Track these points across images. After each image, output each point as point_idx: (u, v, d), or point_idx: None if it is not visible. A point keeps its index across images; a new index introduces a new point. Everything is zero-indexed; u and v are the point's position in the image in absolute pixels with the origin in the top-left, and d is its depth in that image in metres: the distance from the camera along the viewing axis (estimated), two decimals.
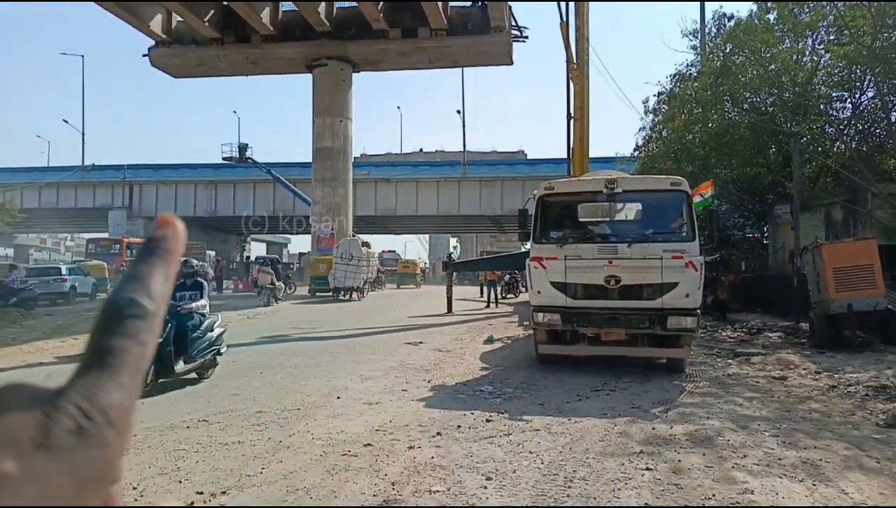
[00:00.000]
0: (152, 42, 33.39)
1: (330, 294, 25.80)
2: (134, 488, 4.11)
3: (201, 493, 4.01)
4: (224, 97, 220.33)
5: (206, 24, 30.99)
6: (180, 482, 4.23)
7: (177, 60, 34.38)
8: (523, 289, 25.63)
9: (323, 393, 7.16)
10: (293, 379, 8.10)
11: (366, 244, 28.05)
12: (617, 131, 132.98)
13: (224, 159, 42.23)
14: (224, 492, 4.03)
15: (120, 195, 47.34)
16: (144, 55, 33.76)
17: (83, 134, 49.90)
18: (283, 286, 24.17)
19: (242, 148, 41.16)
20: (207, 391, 7.28)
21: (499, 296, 23.55)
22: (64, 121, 51.64)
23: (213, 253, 51.28)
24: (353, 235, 33.82)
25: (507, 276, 28.15)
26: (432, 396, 7.04)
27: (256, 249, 69.96)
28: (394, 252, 56.12)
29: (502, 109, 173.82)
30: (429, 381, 7.93)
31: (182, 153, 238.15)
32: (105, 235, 42.68)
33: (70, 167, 48.33)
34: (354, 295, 25.69)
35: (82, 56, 51.50)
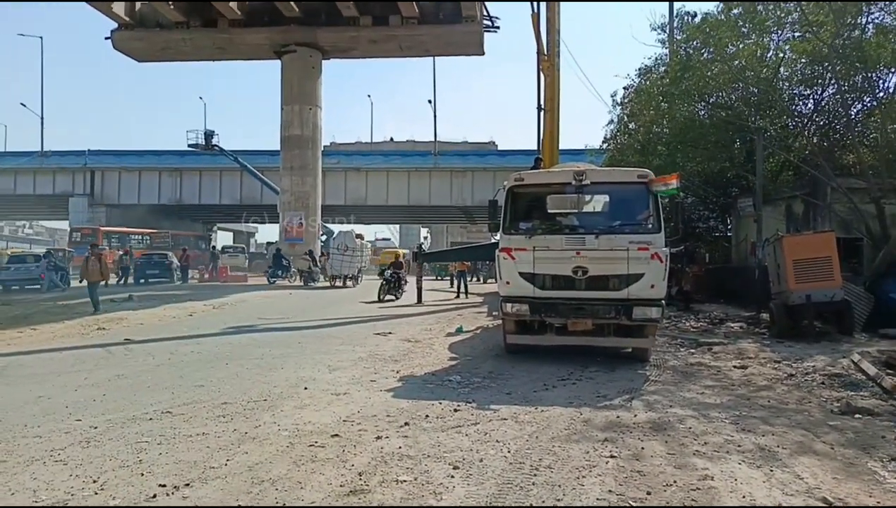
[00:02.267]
0: (115, 25, 32.47)
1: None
2: (94, 481, 4.03)
3: (164, 486, 3.95)
4: (190, 83, 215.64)
5: (171, 6, 30.26)
6: (142, 474, 4.16)
7: (140, 44, 33.49)
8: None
9: (290, 383, 7.11)
10: (259, 369, 8.01)
11: (359, 236, 29.99)
12: (587, 123, 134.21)
13: (190, 146, 41.41)
14: (187, 484, 3.98)
15: (81, 182, 46.08)
16: (107, 38, 32.81)
17: (42, 118, 48.57)
18: (318, 270, 28.67)
19: (209, 135, 40.41)
20: (171, 382, 7.16)
21: (468, 287, 23.63)
22: (21, 104, 50.02)
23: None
24: (321, 224, 33.86)
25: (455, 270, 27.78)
26: (401, 386, 7.04)
27: (223, 238, 68.96)
28: (388, 240, 55.61)
29: (473, 100, 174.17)
30: (397, 371, 7.93)
31: (146, 140, 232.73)
32: (88, 225, 42.10)
33: (28, 152, 46.86)
34: (349, 282, 28.03)
35: (41, 38, 49.61)
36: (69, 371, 7.93)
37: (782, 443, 4.95)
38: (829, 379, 7.45)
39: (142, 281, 27.61)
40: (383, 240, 55.09)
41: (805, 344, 9.82)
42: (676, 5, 34.17)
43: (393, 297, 19.82)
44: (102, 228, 40.64)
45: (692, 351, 9.78)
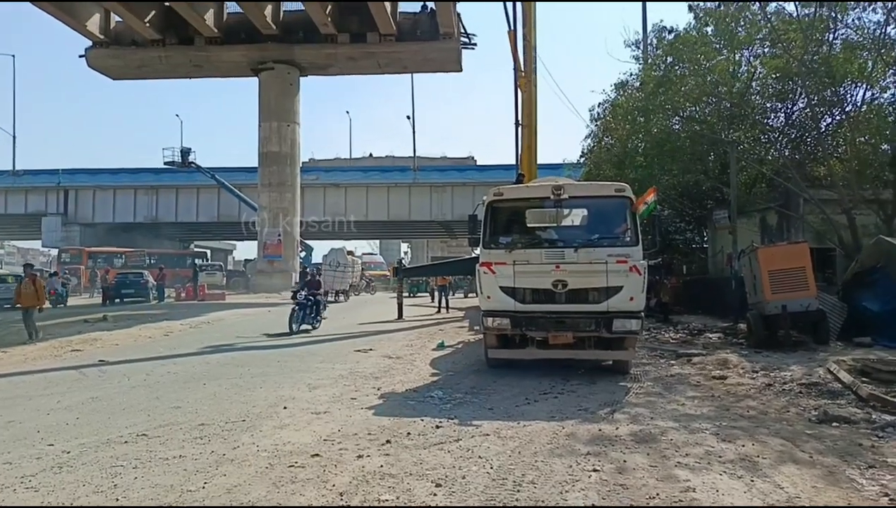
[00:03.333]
0: (89, 42, 32.20)
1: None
2: None
3: None
4: (166, 100, 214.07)
5: (147, 24, 30.11)
6: (117, 500, 4.05)
7: (115, 62, 33.28)
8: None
9: (269, 403, 7.00)
10: (238, 389, 7.89)
11: (350, 253, 31.48)
12: (564, 137, 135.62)
13: (166, 164, 41.06)
14: None
15: (54, 201, 45.38)
16: (81, 56, 32.51)
17: (14, 137, 47.75)
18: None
19: (185, 152, 40.11)
20: (147, 404, 7.01)
21: (449, 302, 23.60)
22: None
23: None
24: (300, 240, 33.81)
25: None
26: (382, 404, 6.97)
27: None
28: (374, 254, 55.24)
29: (452, 116, 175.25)
30: (378, 389, 7.85)
31: (121, 158, 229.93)
32: (73, 246, 42.58)
33: (0, 172, 46.04)
34: (341, 297, 29.47)
35: (13, 56, 49.04)
36: (41, 394, 7.73)
37: (763, 453, 4.98)
38: (807, 388, 7.53)
39: (117, 300, 27.14)
40: (368, 254, 54.70)
41: (782, 354, 9.93)
42: (653, 19, 34.89)
43: (309, 327, 15.31)
44: (87, 249, 40.39)
45: (672, 362, 9.84)
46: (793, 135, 16.86)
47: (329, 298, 26.96)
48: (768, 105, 16.61)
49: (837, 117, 14.91)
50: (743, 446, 5.16)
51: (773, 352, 10.14)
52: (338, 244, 34.44)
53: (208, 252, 57.40)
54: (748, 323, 11.79)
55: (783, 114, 16.65)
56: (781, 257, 11.06)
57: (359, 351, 11.63)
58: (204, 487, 4.26)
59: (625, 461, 4.78)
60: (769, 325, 10.89)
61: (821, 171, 15.84)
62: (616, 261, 7.97)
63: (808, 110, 15.24)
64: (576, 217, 9.44)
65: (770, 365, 8.98)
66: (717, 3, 15.71)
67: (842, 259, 14.01)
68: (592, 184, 11.57)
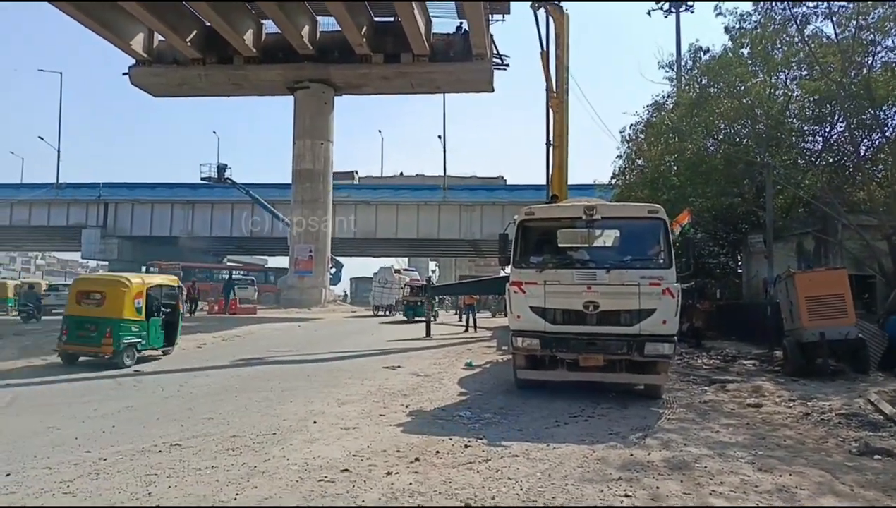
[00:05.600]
0: (133, 61, 33.26)
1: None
2: None
3: None
4: (204, 117, 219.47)
5: (189, 44, 31.00)
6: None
7: (157, 80, 34.28)
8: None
9: (299, 417, 7.06)
10: (268, 402, 7.97)
11: (398, 271, 34.94)
12: (595, 158, 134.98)
13: (202, 179, 41.94)
14: None
15: (94, 214, 46.66)
16: (124, 74, 33.58)
17: (59, 151, 49.16)
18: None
19: (221, 168, 40.95)
20: (181, 414, 7.14)
21: (476, 321, 23.49)
22: (39, 138, 50.80)
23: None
24: (331, 257, 34.56)
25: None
26: (410, 421, 6.98)
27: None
28: (412, 271, 55.47)
29: (483, 135, 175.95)
30: (407, 406, 7.86)
31: (160, 172, 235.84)
32: (111, 257, 45.50)
33: (44, 184, 47.57)
34: (387, 312, 32.36)
35: (60, 73, 50.78)
36: (79, 402, 7.92)
37: (801, 484, 4.85)
38: (846, 418, 7.31)
39: None
40: (406, 271, 54.78)
41: (820, 383, 9.66)
42: (688, 40, 34.73)
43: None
44: (182, 263, 42.47)
45: (705, 388, 9.64)
46: (831, 159, 16.54)
47: (380, 313, 32.11)
48: (805, 128, 16.36)
49: (878, 141, 14.59)
50: (780, 476, 5.03)
51: (811, 381, 9.87)
52: (367, 261, 35.49)
53: (256, 273, 58.62)
54: (784, 350, 11.50)
55: (821, 138, 16.37)
56: (820, 283, 10.80)
57: (387, 368, 11.66)
58: (236, 498, 4.31)
59: (658, 487, 4.70)
60: (806, 353, 10.61)
61: (860, 196, 15.47)
62: (649, 284, 7.89)
63: (846, 134, 14.96)
64: (608, 238, 9.37)
65: (807, 394, 8.75)
66: (753, 25, 15.56)
67: (882, 286, 13.62)
68: (625, 206, 11.50)
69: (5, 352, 13.07)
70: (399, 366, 11.83)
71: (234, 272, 45.56)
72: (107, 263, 51.89)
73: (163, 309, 12.55)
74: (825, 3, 13.72)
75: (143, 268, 47.16)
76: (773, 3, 14.84)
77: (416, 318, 24.81)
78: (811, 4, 14.07)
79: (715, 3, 16.38)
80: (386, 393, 8.86)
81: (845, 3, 13.76)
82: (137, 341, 11.68)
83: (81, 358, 11.47)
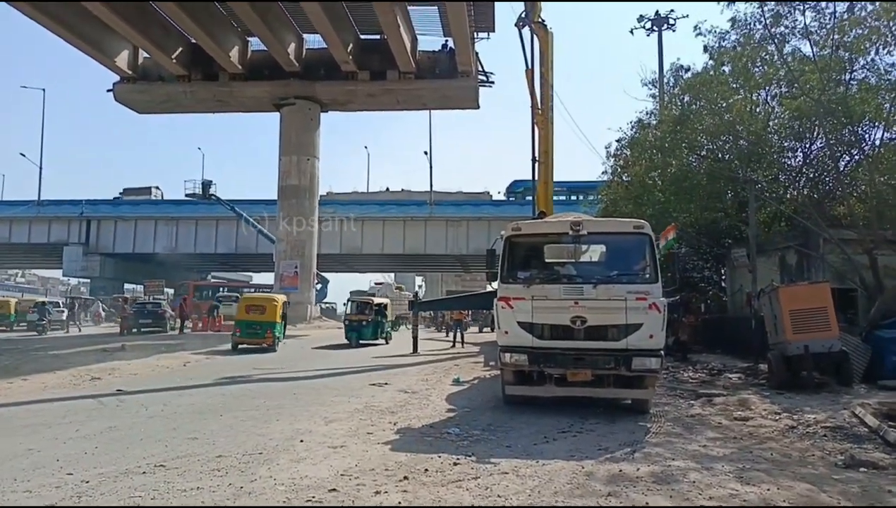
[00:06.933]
0: (117, 77, 33.11)
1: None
2: None
3: None
4: (189, 133, 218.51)
5: (174, 61, 30.96)
6: None
7: (142, 96, 34.15)
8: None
9: (285, 436, 6.98)
10: (254, 421, 7.88)
11: (399, 287, 35.53)
12: (580, 173, 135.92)
13: (187, 196, 41.71)
14: None
15: (76, 230, 46.17)
16: (109, 90, 33.41)
17: (41, 168, 48.81)
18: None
19: (206, 184, 40.76)
20: (164, 434, 7.03)
21: (464, 336, 23.48)
22: (21, 154, 50.42)
23: (171, 290, 50.15)
24: (317, 272, 34.39)
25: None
26: (398, 439, 6.93)
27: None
28: (384, 284, 55.34)
29: (468, 151, 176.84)
30: (394, 424, 7.81)
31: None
32: (93, 275, 46.59)
33: (25, 201, 47.05)
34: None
35: (43, 90, 50.53)
36: (60, 423, 7.78)
37: (788, 497, 4.87)
38: (832, 431, 7.37)
39: (134, 330, 27.34)
40: (378, 283, 54.66)
41: (805, 396, 9.74)
42: (670, 58, 35.26)
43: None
44: (194, 282, 42.55)
45: (692, 402, 9.69)
46: (811, 175, 16.80)
47: None
48: (786, 144, 16.62)
49: (856, 157, 14.86)
50: (767, 490, 5.05)
51: (796, 394, 9.94)
52: (354, 277, 35.30)
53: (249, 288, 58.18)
54: (769, 363, 11.59)
55: (801, 153, 16.63)
56: (803, 297, 10.92)
57: (374, 384, 11.59)
58: None
59: (647, 502, 4.70)
60: (791, 366, 10.70)
61: (840, 211, 15.72)
62: (635, 298, 7.94)
63: (826, 150, 15.22)
64: (594, 253, 9.45)
65: (793, 407, 8.81)
66: (733, 44, 15.83)
67: (864, 299, 13.80)
68: (611, 221, 11.60)
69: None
70: (386, 383, 11.77)
71: (244, 290, 45.74)
72: (88, 281, 51.33)
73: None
74: (802, 25, 14.01)
75: (131, 287, 46.97)
76: (752, 24, 15.11)
77: (362, 342, 21.28)
78: (788, 24, 14.36)
79: (695, 23, 16.69)
80: (373, 410, 8.80)
81: (822, 23, 14.05)
82: (280, 335, 19.49)
83: (240, 346, 18.59)
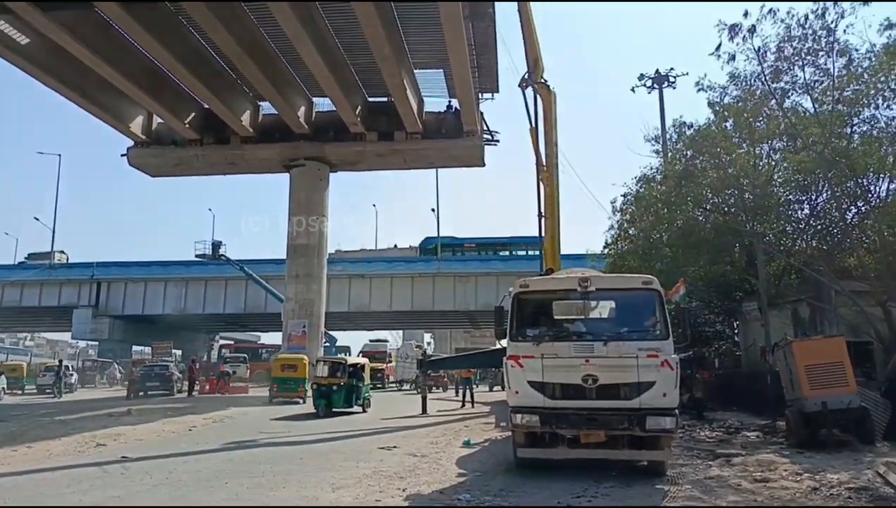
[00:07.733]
0: (131, 142, 33.92)
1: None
2: None
3: None
4: (200, 193, 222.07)
5: (187, 125, 31.74)
6: None
7: (155, 160, 34.85)
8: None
9: (292, 504, 6.79)
10: (260, 489, 7.69)
11: (419, 346, 39.31)
12: (587, 227, 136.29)
13: (197, 257, 42.04)
14: None
15: (86, 293, 46.41)
16: (123, 155, 34.17)
17: (53, 232, 49.44)
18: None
19: (216, 245, 41.15)
20: (169, 504, 6.85)
21: (474, 395, 23.06)
22: (35, 218, 51.13)
23: (179, 352, 49.97)
24: (324, 331, 34.52)
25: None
26: (407, 507, 6.72)
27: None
28: (383, 341, 54.83)
29: (475, 207, 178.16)
30: (403, 490, 7.59)
31: (156, 251, 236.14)
32: (102, 338, 47.03)
33: (36, 265, 47.54)
34: (406, 385, 36.01)
35: (59, 155, 51.92)
36: (63, 493, 7.61)
37: None
38: (856, 492, 7.10)
39: (141, 394, 27.13)
40: (374, 341, 54.03)
41: (826, 455, 9.44)
42: (673, 114, 35.92)
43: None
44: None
45: (710, 463, 9.39)
46: (818, 226, 16.76)
47: (405, 386, 36.02)
48: (791, 197, 16.66)
49: (863, 208, 14.85)
50: None
51: (817, 453, 9.65)
52: (362, 334, 35.65)
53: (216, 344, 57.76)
54: (787, 420, 11.30)
55: (807, 206, 16.64)
56: (818, 351, 10.72)
57: (383, 448, 11.34)
58: None
59: None
60: (810, 423, 10.41)
61: (851, 262, 15.60)
62: (647, 356, 7.80)
63: (832, 201, 15.22)
64: (604, 309, 9.37)
65: (814, 468, 8.53)
66: (734, 100, 16.08)
67: (880, 352, 13.54)
68: (619, 277, 11.54)
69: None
70: (395, 446, 11.51)
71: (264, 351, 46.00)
72: (97, 343, 51.23)
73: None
74: (801, 81, 14.24)
75: (139, 349, 46.84)
76: (752, 80, 15.39)
77: (335, 410, 17.87)
78: (788, 79, 14.60)
79: (697, 78, 17.03)
80: (381, 475, 8.57)
81: (820, 78, 14.26)
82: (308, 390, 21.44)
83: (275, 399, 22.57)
